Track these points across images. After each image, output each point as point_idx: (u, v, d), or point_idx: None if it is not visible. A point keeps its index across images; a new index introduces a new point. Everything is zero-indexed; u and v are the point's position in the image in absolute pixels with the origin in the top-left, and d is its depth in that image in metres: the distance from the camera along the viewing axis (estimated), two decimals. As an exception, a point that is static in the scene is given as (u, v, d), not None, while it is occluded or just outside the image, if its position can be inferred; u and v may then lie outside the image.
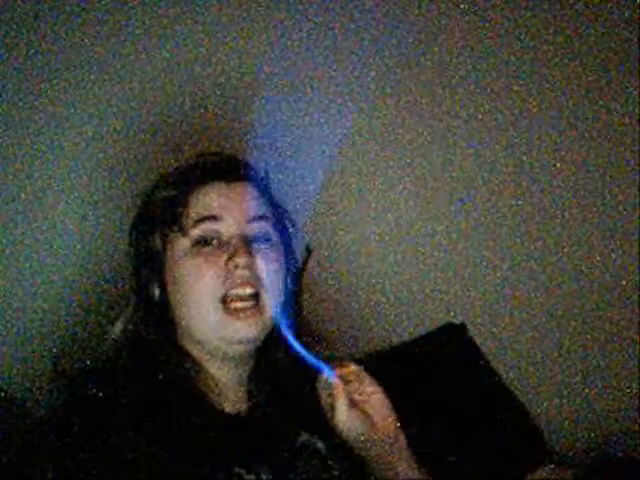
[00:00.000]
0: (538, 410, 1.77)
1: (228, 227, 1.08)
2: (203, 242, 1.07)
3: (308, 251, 1.17)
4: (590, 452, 1.84)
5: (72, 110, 1.48)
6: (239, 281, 1.06)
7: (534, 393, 1.82)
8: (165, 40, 1.56)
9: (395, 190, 1.77)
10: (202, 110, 1.57)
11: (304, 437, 1.10)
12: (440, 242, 1.82)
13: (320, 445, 1.10)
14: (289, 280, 1.13)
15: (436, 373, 1.61)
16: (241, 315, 1.06)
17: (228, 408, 1.08)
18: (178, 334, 1.10)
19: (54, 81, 1.46)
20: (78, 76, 1.48)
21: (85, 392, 1.01)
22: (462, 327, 1.72)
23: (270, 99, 1.64)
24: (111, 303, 1.44)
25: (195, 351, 1.09)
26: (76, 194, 1.47)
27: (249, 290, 1.06)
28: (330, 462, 1.09)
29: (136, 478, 0.93)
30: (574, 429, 1.89)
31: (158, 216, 1.09)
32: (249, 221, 1.09)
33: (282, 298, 1.10)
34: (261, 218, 1.11)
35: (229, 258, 1.05)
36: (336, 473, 1.09)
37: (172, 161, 1.50)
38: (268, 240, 1.11)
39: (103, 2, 1.50)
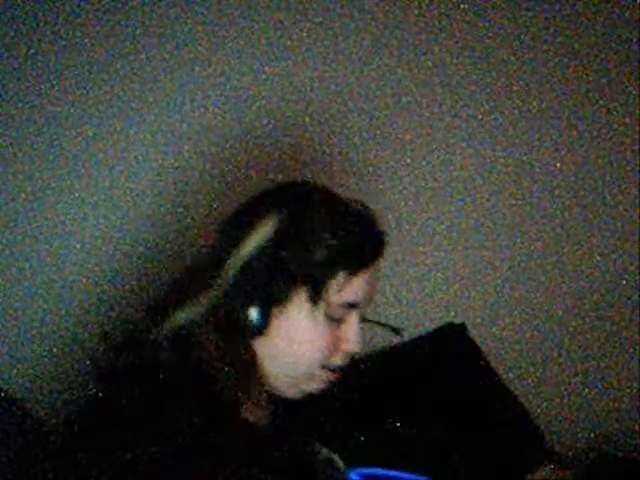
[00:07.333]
0: (538, 410, 1.76)
1: (357, 312, 1.12)
2: (334, 318, 1.09)
3: (397, 333, 1.20)
4: (590, 452, 1.84)
5: (72, 110, 1.48)
6: (344, 359, 1.12)
7: (534, 393, 1.82)
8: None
9: (395, 190, 1.77)
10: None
11: (325, 452, 1.12)
12: (440, 242, 1.82)
13: (341, 464, 1.12)
14: None
15: (436, 373, 1.61)
16: (326, 380, 1.11)
17: (249, 416, 1.08)
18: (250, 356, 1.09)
19: (55, 81, 1.46)
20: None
21: (115, 391, 1.01)
22: (462, 327, 1.72)
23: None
24: (111, 303, 1.45)
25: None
26: (76, 194, 1.47)
27: (346, 363, 1.13)
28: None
29: None
30: (574, 429, 1.89)
31: (306, 269, 1.07)
32: None
33: None
34: None
35: (348, 341, 1.11)
36: None
37: (172, 161, 1.50)
38: None
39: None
